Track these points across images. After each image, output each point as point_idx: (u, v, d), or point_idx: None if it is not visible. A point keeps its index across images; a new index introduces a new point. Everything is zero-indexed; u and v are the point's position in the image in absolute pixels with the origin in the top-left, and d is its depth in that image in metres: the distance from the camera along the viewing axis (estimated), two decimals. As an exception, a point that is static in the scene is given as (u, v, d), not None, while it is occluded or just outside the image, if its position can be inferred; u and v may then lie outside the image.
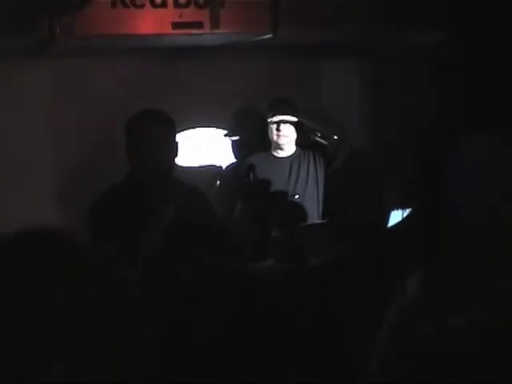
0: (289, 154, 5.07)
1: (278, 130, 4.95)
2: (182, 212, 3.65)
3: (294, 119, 4.92)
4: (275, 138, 4.99)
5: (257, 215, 4.93)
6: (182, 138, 5.45)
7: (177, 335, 3.35)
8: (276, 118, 4.94)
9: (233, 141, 5.52)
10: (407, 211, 4.19)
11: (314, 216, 4.95)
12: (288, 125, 4.95)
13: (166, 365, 3.29)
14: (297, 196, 4.93)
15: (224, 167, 5.41)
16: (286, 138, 4.99)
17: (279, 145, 5.02)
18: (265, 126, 5.05)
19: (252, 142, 5.35)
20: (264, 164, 5.05)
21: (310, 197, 5.00)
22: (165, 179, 3.71)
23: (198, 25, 4.74)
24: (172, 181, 3.76)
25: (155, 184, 3.68)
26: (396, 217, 4.37)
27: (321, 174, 5.03)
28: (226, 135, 5.56)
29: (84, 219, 3.72)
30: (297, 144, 5.07)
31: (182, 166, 5.31)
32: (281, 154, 5.07)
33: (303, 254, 4.07)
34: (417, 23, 5.11)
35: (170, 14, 4.70)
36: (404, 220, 4.08)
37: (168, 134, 3.71)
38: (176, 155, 3.77)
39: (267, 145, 5.11)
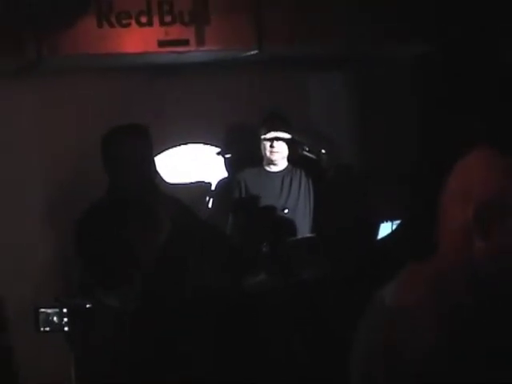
0: (280, 169, 5.10)
1: (271, 146, 4.99)
2: (176, 225, 3.65)
3: (288, 136, 4.95)
4: (268, 153, 5.03)
5: (247, 230, 4.94)
6: (171, 155, 5.47)
7: (172, 348, 3.36)
8: (270, 135, 4.96)
9: (225, 157, 5.54)
10: (396, 224, 4.20)
11: (305, 230, 4.96)
12: (281, 141, 4.98)
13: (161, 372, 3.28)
14: (286, 210, 4.94)
15: (214, 184, 5.43)
16: (279, 154, 5.03)
17: (272, 160, 5.06)
18: (256, 142, 5.08)
19: (243, 157, 5.37)
20: (256, 179, 5.08)
21: (301, 211, 5.02)
22: (147, 193, 3.69)
23: (184, 42, 4.76)
24: (158, 194, 3.75)
25: (137, 199, 3.66)
26: (385, 229, 4.38)
27: (311, 189, 5.06)
28: (218, 153, 5.58)
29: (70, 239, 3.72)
30: (288, 159, 5.10)
31: (172, 183, 5.32)
32: (273, 168, 5.10)
33: (294, 268, 4.07)
34: (403, 35, 5.14)
35: (155, 32, 4.72)
36: (393, 232, 4.09)
37: (141, 147, 3.68)
38: (154, 168, 3.75)
39: (259, 160, 5.13)
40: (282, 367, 3.50)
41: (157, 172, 3.79)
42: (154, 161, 3.76)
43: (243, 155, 5.42)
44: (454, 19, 5.11)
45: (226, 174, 5.56)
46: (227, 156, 5.54)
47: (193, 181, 5.46)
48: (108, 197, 3.72)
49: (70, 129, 5.30)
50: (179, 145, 5.52)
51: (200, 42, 4.76)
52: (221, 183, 5.45)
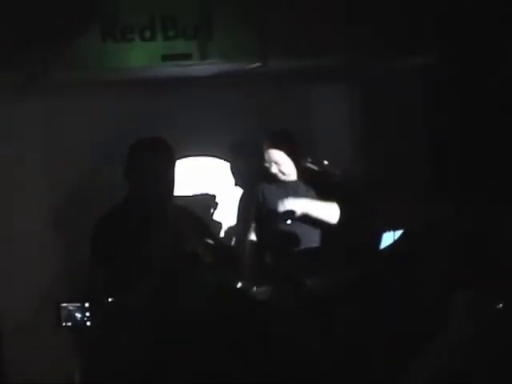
0: (284, 182, 5.13)
1: (275, 162, 5.02)
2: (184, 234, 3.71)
3: (289, 150, 4.97)
4: (272, 169, 5.06)
5: (252, 242, 4.99)
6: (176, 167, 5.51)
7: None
8: (271, 151, 5.00)
9: (233, 169, 5.61)
10: (399, 233, 4.23)
11: (309, 241, 4.98)
12: (282, 154, 5.01)
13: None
14: (289, 221, 4.96)
15: (218, 196, 5.47)
16: (282, 168, 5.05)
17: (274, 174, 5.08)
18: (262, 154, 5.12)
19: (250, 169, 5.43)
20: (262, 191, 5.12)
21: (305, 222, 5.04)
22: (164, 206, 3.76)
23: (188, 56, 4.81)
24: (171, 207, 3.82)
25: (154, 209, 3.73)
26: (388, 239, 4.41)
27: (315, 200, 5.08)
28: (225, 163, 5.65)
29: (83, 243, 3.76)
30: (292, 171, 5.12)
31: (177, 195, 5.37)
32: (277, 181, 5.12)
33: (298, 278, 4.10)
34: (405, 46, 5.17)
35: (159, 47, 4.77)
36: (396, 242, 4.12)
37: (167, 161, 3.78)
38: (174, 182, 3.83)
39: (264, 172, 5.16)
40: (287, 374, 3.52)
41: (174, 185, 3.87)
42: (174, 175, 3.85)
43: (251, 168, 5.47)
44: (457, 30, 5.14)
45: (233, 186, 5.62)
46: (233, 167, 5.60)
47: (197, 193, 5.50)
48: (126, 206, 3.77)
49: (75, 143, 5.35)
50: (183, 157, 5.56)
51: (203, 55, 4.80)
52: (232, 195, 5.53)
